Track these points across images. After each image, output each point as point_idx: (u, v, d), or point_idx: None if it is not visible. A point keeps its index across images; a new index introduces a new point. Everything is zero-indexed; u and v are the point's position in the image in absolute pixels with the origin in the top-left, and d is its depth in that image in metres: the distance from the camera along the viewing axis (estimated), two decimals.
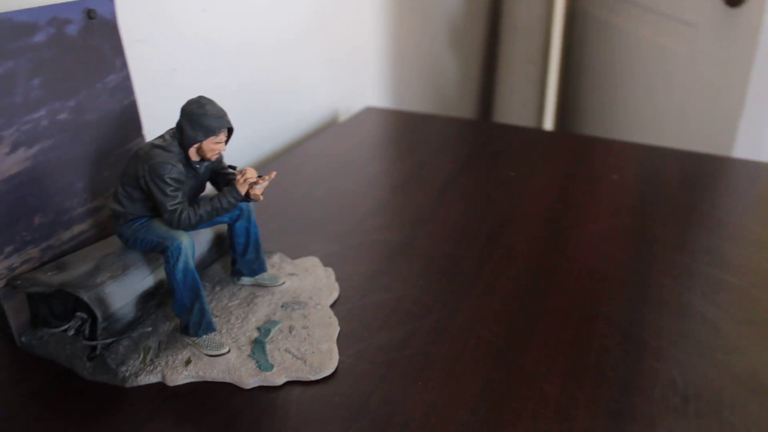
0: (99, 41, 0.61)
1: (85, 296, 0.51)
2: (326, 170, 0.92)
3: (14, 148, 0.54)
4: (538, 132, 1.13)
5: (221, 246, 0.66)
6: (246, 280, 0.63)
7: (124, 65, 0.64)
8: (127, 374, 0.52)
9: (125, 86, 0.65)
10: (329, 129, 1.09)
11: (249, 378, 0.53)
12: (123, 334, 0.55)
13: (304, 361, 0.54)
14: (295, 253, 0.70)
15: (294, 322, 0.59)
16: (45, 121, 0.57)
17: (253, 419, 0.49)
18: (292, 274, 0.66)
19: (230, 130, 0.54)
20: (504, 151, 0.99)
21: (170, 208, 0.52)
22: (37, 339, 0.55)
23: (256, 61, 0.96)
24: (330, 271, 0.67)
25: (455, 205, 0.81)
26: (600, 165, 0.93)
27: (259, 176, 0.55)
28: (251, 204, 0.61)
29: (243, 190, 0.54)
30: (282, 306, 0.61)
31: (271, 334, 0.57)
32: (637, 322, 0.59)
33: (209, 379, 0.53)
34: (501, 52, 1.67)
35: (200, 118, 0.52)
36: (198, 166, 0.54)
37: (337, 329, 0.59)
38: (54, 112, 0.57)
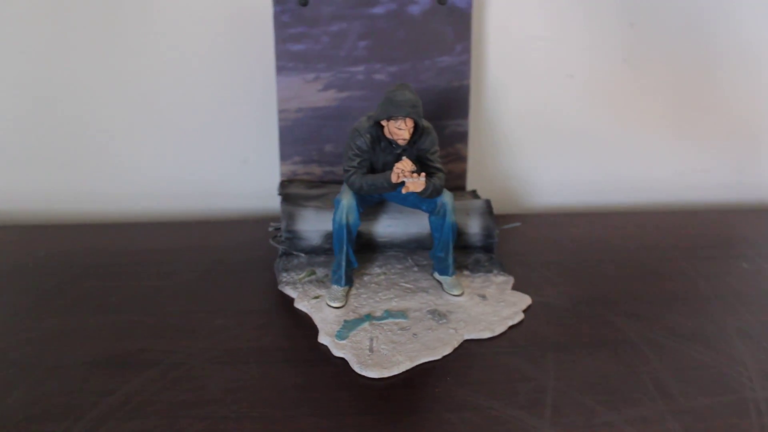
0: (442, 25, 0.68)
1: (282, 207, 0.64)
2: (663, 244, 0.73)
3: (326, 88, 0.69)
4: None
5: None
6: (436, 274, 0.63)
7: (465, 50, 0.69)
8: (283, 280, 0.63)
9: (460, 70, 0.70)
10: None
11: (324, 336, 0.56)
12: (305, 252, 0.65)
13: (370, 355, 0.54)
14: (525, 286, 0.64)
15: (415, 326, 0.57)
16: (361, 76, 0.69)
17: (293, 360, 0.54)
18: (481, 296, 0.61)
19: (417, 124, 0.55)
20: None
21: (345, 168, 0.59)
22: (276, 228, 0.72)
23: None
24: (518, 317, 0.59)
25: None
26: None
27: (413, 171, 0.55)
28: (448, 203, 0.59)
29: (393, 178, 0.55)
30: (429, 311, 0.59)
31: (383, 321, 0.58)
32: None
33: (313, 318, 0.59)
34: None
35: (386, 100, 0.55)
36: (394, 144, 0.58)
37: (430, 358, 0.54)
38: (372, 71, 0.69)
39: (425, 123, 0.58)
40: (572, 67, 0.78)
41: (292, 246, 0.65)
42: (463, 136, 0.73)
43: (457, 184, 0.74)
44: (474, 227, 0.66)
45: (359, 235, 0.66)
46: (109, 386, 0.51)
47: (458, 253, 0.67)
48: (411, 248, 0.67)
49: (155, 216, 0.83)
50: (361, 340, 0.55)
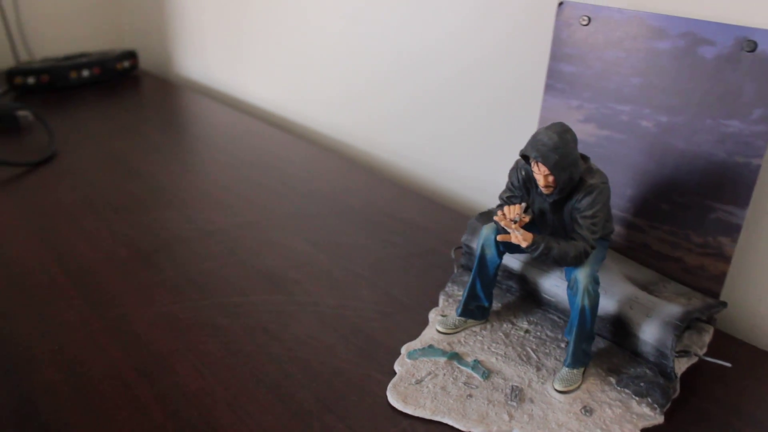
0: (741, 78, 0.52)
1: (470, 220, 0.62)
2: None
3: (587, 120, 0.61)
4: None
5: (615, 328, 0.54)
6: None
7: (766, 119, 0.51)
8: (445, 289, 0.63)
9: (751, 143, 0.52)
10: None
11: (406, 349, 0.55)
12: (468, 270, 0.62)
13: (412, 384, 0.51)
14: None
15: (481, 389, 0.51)
16: (625, 117, 0.58)
17: (364, 351, 0.56)
18: (587, 410, 0.49)
19: (557, 176, 0.46)
20: None
21: (499, 197, 0.53)
22: None
23: None
24: None
25: None
26: None
27: (514, 221, 0.47)
28: (581, 280, 0.48)
29: (498, 220, 0.48)
30: (514, 386, 0.51)
31: (462, 366, 0.53)
32: None
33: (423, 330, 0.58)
34: None
35: (531, 136, 0.48)
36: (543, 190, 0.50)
37: (454, 423, 0.48)
38: (638, 115, 0.58)
39: (593, 179, 0.48)
40: None
41: (466, 261, 0.63)
42: (732, 229, 0.54)
43: (707, 287, 0.56)
44: (648, 334, 0.51)
45: (524, 280, 0.59)
46: (247, 291, 0.63)
47: (624, 358, 0.53)
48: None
49: (444, 197, 0.90)
50: (422, 368, 0.53)
